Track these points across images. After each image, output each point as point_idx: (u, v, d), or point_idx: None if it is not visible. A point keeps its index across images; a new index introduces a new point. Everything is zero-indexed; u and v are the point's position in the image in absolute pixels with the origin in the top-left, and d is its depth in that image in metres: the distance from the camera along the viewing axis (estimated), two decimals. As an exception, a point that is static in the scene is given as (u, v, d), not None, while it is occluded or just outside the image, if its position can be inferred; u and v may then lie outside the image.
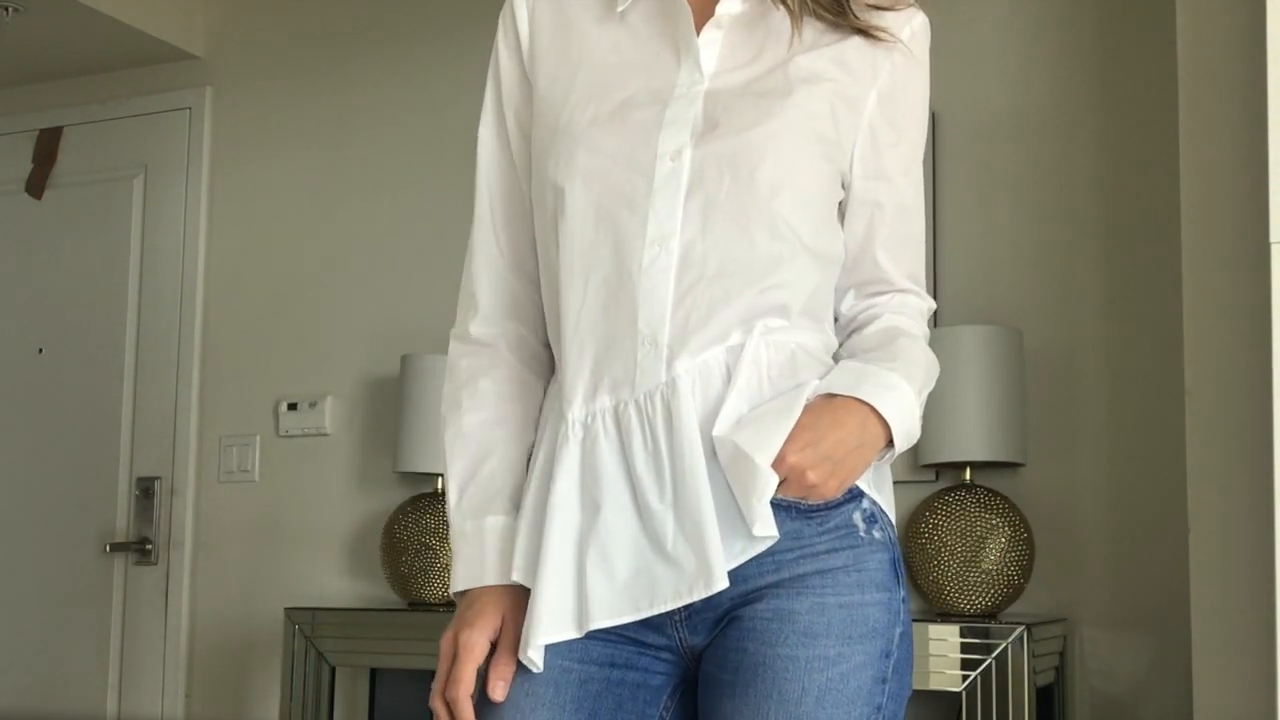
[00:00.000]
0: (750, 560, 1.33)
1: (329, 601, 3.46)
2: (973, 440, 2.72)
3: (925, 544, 2.73)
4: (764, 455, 1.32)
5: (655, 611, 1.33)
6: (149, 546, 3.71)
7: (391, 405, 3.39)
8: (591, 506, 1.36)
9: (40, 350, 3.93)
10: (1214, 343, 2.25)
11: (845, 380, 1.40)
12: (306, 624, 3.09)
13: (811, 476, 1.34)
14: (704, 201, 1.38)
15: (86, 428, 3.83)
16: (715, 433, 1.34)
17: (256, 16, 3.81)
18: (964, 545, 2.69)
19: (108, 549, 3.72)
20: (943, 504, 2.74)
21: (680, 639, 1.38)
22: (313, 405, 3.58)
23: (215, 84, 3.84)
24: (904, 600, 1.39)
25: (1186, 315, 2.29)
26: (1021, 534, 2.72)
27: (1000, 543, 2.69)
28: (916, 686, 2.50)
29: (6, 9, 3.52)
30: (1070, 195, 2.94)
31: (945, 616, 2.69)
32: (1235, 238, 2.22)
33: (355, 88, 3.66)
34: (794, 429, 1.35)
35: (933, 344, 1.53)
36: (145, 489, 3.74)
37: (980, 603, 2.69)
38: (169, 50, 3.79)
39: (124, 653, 3.72)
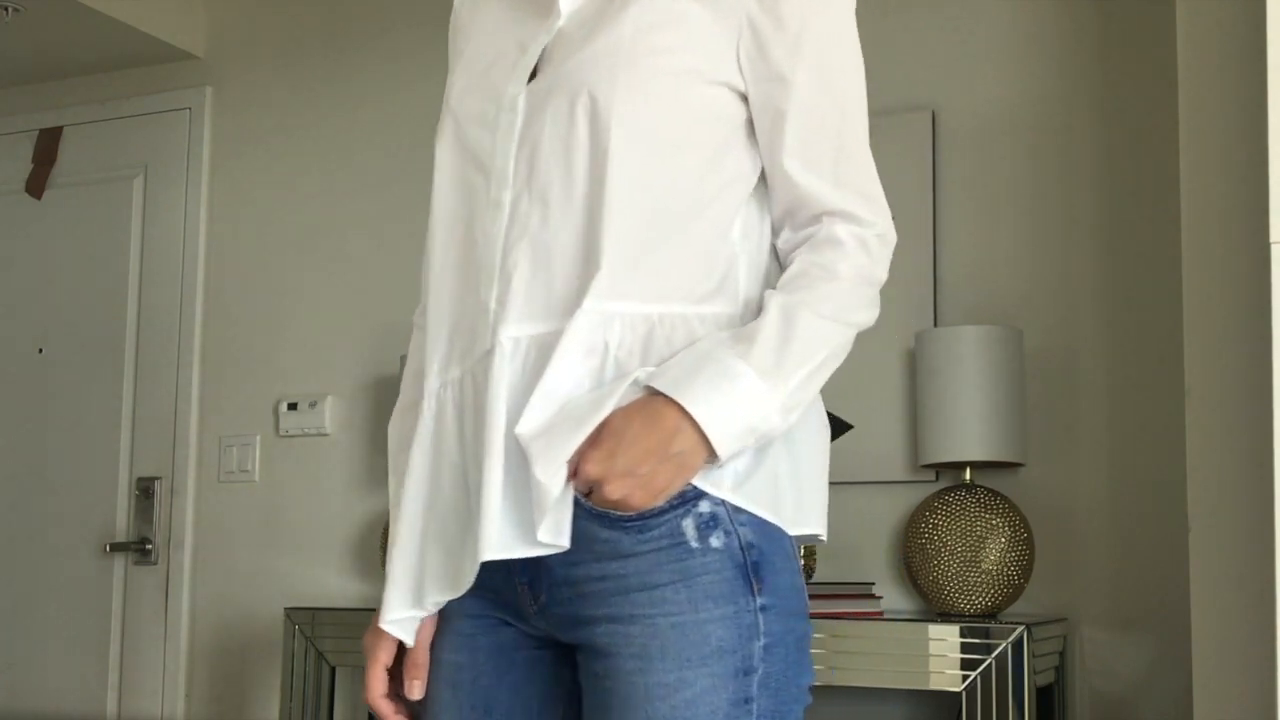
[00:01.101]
0: (579, 557, 1.25)
1: (329, 601, 3.46)
2: (973, 440, 2.72)
3: (925, 544, 2.73)
4: (546, 465, 1.21)
5: (464, 587, 1.27)
6: (149, 546, 3.71)
7: (391, 405, 3.38)
8: (436, 479, 1.33)
9: (40, 350, 3.93)
10: (1214, 343, 2.25)
11: (675, 372, 1.23)
12: (306, 624, 3.09)
13: (609, 492, 1.21)
14: (530, 148, 1.30)
15: (86, 428, 3.83)
16: (517, 429, 1.23)
17: (256, 16, 3.81)
18: (964, 545, 2.69)
19: (108, 549, 3.72)
20: (943, 504, 2.74)
21: (543, 626, 1.32)
22: (313, 405, 3.58)
23: (215, 84, 3.84)
24: (764, 609, 1.25)
25: (1186, 315, 2.29)
26: (1021, 534, 2.72)
27: (1000, 543, 2.69)
28: (917, 687, 2.51)
29: (6, 9, 3.52)
30: (1070, 195, 2.94)
31: (945, 616, 2.69)
32: (1235, 238, 2.22)
33: (355, 87, 3.66)
34: (600, 433, 1.22)
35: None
36: (145, 489, 3.74)
37: (980, 603, 2.69)
38: (169, 50, 3.79)
39: (124, 653, 3.72)
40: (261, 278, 3.72)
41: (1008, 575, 2.69)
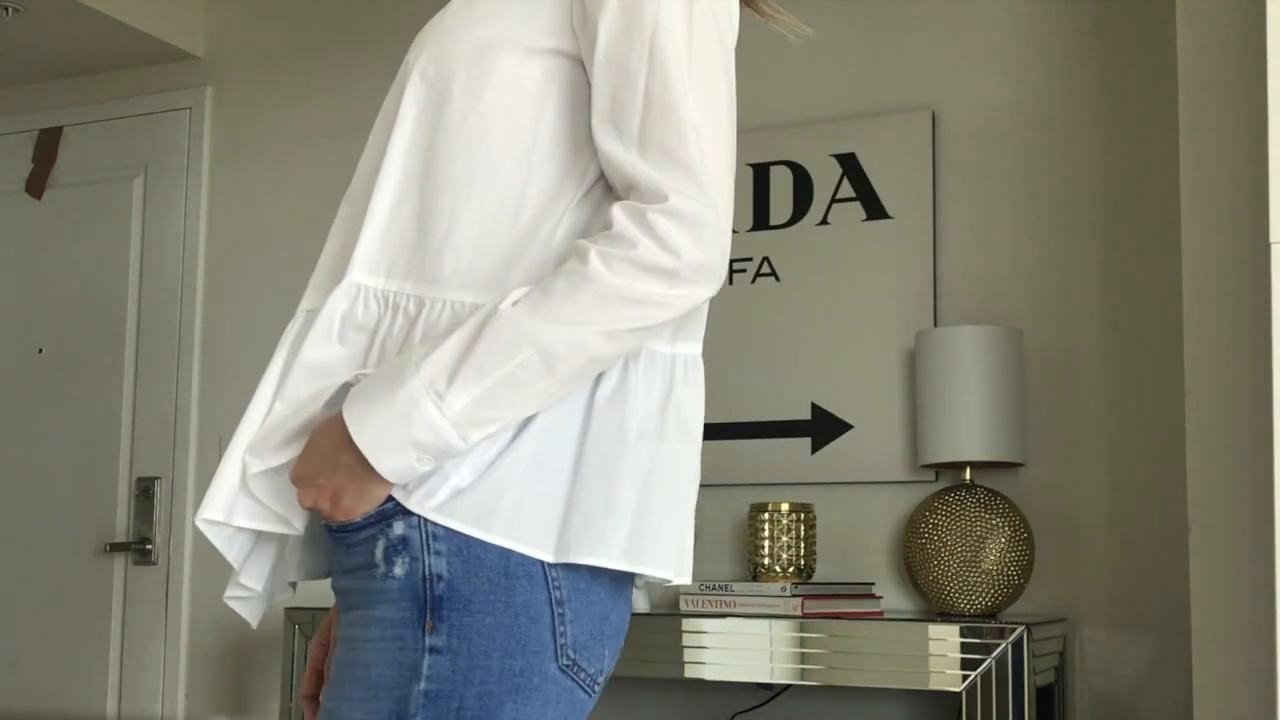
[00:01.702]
0: (334, 566, 1.22)
1: (329, 602, 3.45)
2: (973, 440, 2.72)
3: (925, 544, 2.73)
4: (254, 451, 1.20)
5: (235, 561, 1.28)
6: (149, 546, 3.71)
7: (391, 405, 3.38)
8: None
9: (40, 350, 3.93)
10: (1214, 343, 2.25)
11: (368, 379, 1.14)
12: (306, 624, 3.09)
13: (300, 498, 1.17)
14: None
15: (86, 428, 3.83)
16: (277, 401, 1.21)
17: (256, 16, 3.81)
18: (964, 545, 2.69)
19: (108, 549, 3.72)
20: (943, 504, 2.74)
21: None
22: (313, 405, 3.58)
23: (215, 84, 3.84)
24: (433, 650, 1.12)
25: (1186, 315, 2.29)
26: (1021, 534, 2.72)
27: (1000, 543, 2.69)
28: (917, 687, 2.51)
29: (6, 9, 3.52)
30: (1070, 195, 2.94)
31: (945, 616, 2.69)
32: (1235, 238, 2.22)
33: (355, 87, 3.66)
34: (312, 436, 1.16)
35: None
36: (145, 489, 3.74)
37: (980, 603, 2.69)
38: (169, 50, 3.79)
39: (124, 653, 3.72)
40: (261, 278, 3.71)
41: (1008, 575, 2.69)
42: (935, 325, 2.94)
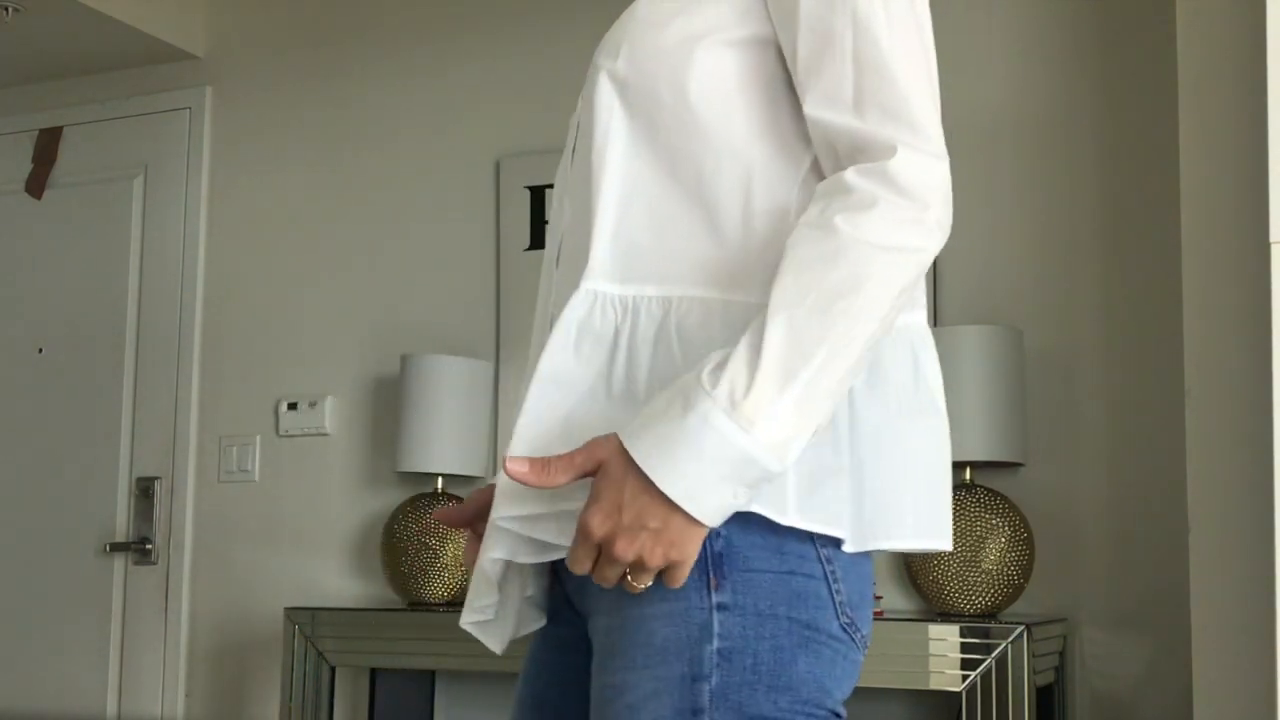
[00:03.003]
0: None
1: (329, 601, 3.45)
2: (973, 440, 2.72)
3: (925, 544, 2.73)
4: (509, 504, 1.14)
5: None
6: (149, 546, 3.71)
7: (391, 405, 3.39)
8: None
9: (40, 350, 3.93)
10: (1214, 343, 2.25)
11: (643, 429, 1.06)
12: (306, 624, 3.09)
13: (620, 550, 1.09)
14: (579, 133, 1.26)
15: (86, 428, 3.83)
16: (518, 419, 1.16)
17: (256, 16, 3.81)
18: (964, 545, 2.69)
19: (108, 549, 3.72)
20: (943, 504, 2.74)
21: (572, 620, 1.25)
22: (313, 405, 3.58)
23: (215, 84, 3.84)
24: (721, 608, 1.08)
25: (1186, 315, 2.29)
26: (1021, 534, 2.72)
27: (1000, 543, 2.69)
28: (917, 686, 2.51)
29: (6, 9, 3.52)
30: (1071, 195, 2.94)
31: (945, 616, 2.69)
32: (1235, 238, 2.22)
33: (355, 88, 3.66)
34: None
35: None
36: (145, 489, 3.74)
37: (980, 603, 2.69)
38: (169, 50, 3.79)
39: (124, 653, 3.72)
40: (261, 277, 3.72)
41: (1008, 575, 2.69)
42: (935, 325, 2.94)
